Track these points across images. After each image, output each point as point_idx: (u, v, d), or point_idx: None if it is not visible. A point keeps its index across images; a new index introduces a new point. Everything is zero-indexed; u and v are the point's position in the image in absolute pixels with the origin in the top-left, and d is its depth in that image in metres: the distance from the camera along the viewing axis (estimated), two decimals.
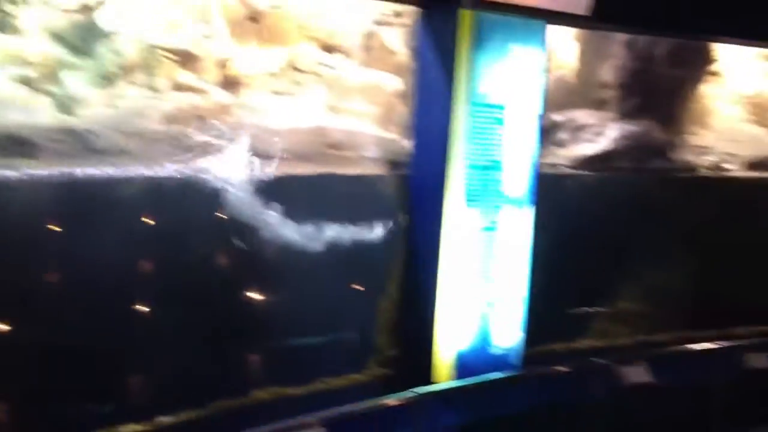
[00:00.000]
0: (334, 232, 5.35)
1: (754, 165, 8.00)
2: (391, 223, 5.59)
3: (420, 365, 5.24)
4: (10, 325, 4.08)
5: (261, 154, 6.19)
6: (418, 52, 5.72)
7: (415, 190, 5.55)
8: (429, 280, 5.29)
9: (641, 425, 5.67)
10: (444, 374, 5.23)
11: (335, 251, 5.28)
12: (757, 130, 9.11)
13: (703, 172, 7.54)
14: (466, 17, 5.31)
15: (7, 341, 4.07)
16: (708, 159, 7.83)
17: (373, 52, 7.93)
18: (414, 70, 5.80)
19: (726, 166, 7.84)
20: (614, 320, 6.81)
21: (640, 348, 6.30)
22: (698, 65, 7.94)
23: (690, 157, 7.64)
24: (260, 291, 5.03)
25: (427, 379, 5.15)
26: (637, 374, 5.62)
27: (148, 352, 4.51)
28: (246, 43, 7.64)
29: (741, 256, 7.17)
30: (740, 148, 8.30)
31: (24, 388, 4.11)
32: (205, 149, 5.46)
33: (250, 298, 5.01)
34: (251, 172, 5.35)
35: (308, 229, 5.25)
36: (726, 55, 8.82)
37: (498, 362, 5.45)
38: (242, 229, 4.92)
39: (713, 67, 8.57)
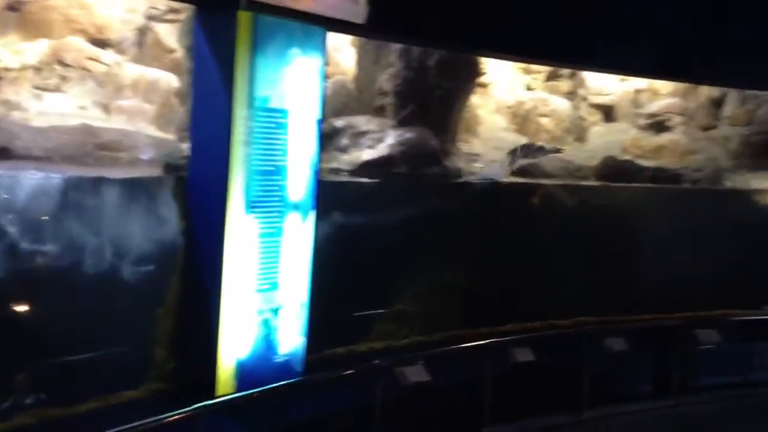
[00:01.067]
0: (104, 238, 5.02)
1: (516, 171, 8.59)
2: (168, 229, 5.35)
3: (202, 377, 5.06)
4: None
5: (20, 154, 5.69)
6: (194, 51, 5.52)
7: (194, 195, 5.36)
8: (210, 288, 5.12)
9: (422, 422, 5.90)
10: (226, 385, 5.09)
11: (106, 259, 4.97)
12: (518, 138, 9.82)
13: (474, 179, 7.99)
14: (244, 19, 5.21)
15: None
16: (478, 166, 8.31)
17: (147, 48, 7.58)
18: (191, 70, 5.60)
19: (492, 172, 8.35)
20: (393, 322, 7.02)
21: (418, 348, 6.54)
22: (468, 76, 8.40)
23: (462, 164, 8.06)
24: (22, 306, 4.60)
25: (210, 392, 4.98)
26: (416, 373, 5.84)
27: None
28: (5, 35, 7.00)
29: (509, 257, 7.68)
30: (504, 155, 8.89)
31: None
32: None
33: (10, 314, 4.56)
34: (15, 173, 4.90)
35: (74, 235, 4.88)
36: (491, 67, 9.45)
37: (281, 370, 5.40)
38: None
39: (481, 79, 9.13)
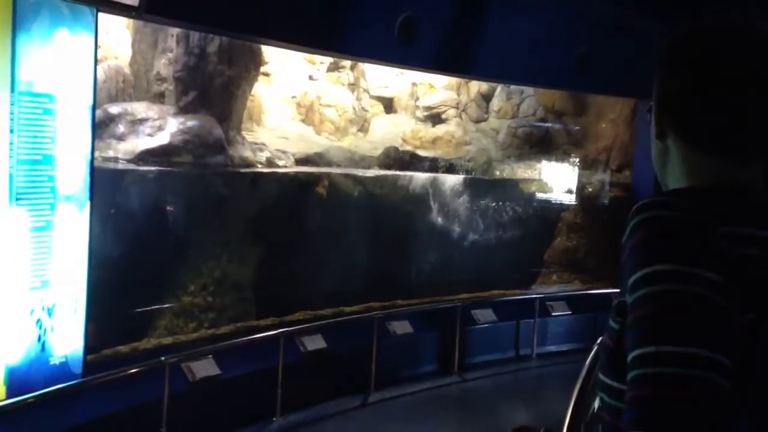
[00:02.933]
0: None
1: (301, 161, 8.64)
2: None
3: None
4: None
5: None
6: None
7: None
8: None
9: (211, 416, 5.76)
10: None
11: None
12: (303, 128, 9.87)
13: (259, 168, 7.91)
14: None
15: None
16: (263, 155, 8.23)
17: None
18: None
19: (278, 162, 8.32)
20: (181, 316, 6.80)
21: (207, 342, 6.37)
22: (250, 64, 8.27)
23: (247, 153, 7.94)
24: None
25: None
26: (205, 368, 5.68)
27: None
28: None
29: (295, 247, 7.70)
30: (289, 145, 8.90)
31: None
32: None
33: None
34: None
35: None
36: (274, 56, 9.40)
37: (58, 373, 5.02)
38: None
39: (265, 68, 9.05)
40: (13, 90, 4.83)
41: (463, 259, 9.27)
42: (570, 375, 3.83)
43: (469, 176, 10.03)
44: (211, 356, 5.80)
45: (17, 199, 4.84)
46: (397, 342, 7.54)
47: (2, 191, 4.76)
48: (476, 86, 11.33)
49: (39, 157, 5.00)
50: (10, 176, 4.80)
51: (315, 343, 6.71)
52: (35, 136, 4.99)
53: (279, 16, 7.18)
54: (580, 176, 10.79)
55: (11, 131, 4.82)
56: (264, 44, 8.34)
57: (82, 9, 5.26)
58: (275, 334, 6.49)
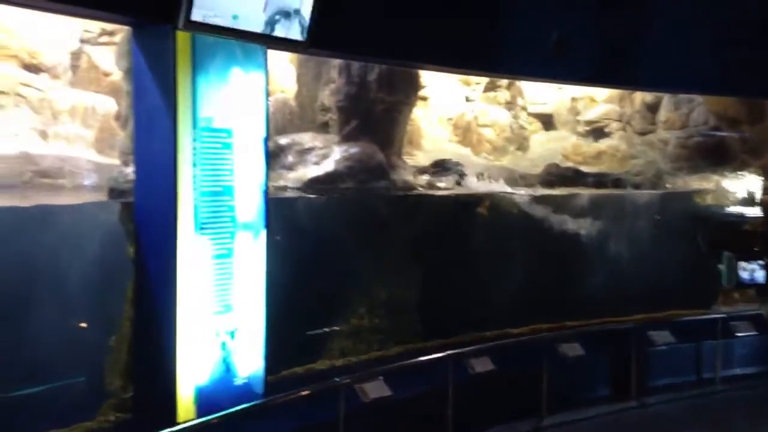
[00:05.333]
0: (50, 267, 4.86)
1: (459, 183, 8.66)
2: (116, 254, 5.20)
3: (159, 405, 4.92)
4: None
5: None
6: (134, 74, 5.40)
7: (142, 219, 5.22)
8: (164, 314, 4.99)
9: None
10: (187, 411, 4.95)
11: (55, 289, 4.80)
12: (461, 150, 9.92)
13: (421, 191, 8.01)
14: (182, 39, 5.11)
15: None
16: (423, 178, 8.34)
17: (82, 72, 7.41)
18: (130, 92, 5.48)
19: (439, 184, 8.40)
20: (350, 338, 6.97)
21: (376, 363, 6.49)
22: (408, 90, 8.43)
23: (408, 177, 8.08)
24: None
25: (170, 419, 4.84)
26: (377, 389, 5.79)
27: None
28: None
29: (460, 268, 7.71)
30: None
31: None
32: None
33: None
34: None
35: (21, 263, 4.72)
36: (431, 80, 9.52)
37: (242, 393, 5.29)
38: None
39: (422, 92, 9.19)
40: (194, 126, 5.18)
41: (635, 277, 8.91)
42: (760, 400, 3.58)
43: (638, 190, 9.67)
44: (382, 377, 5.90)
45: (201, 229, 5.16)
46: (568, 364, 7.35)
47: (188, 221, 5.10)
48: (640, 97, 10.94)
49: (219, 189, 5.32)
50: (195, 207, 5.14)
51: (483, 365, 6.67)
52: (216, 169, 5.32)
53: (436, 42, 7.29)
54: (759, 186, 10.13)
55: (194, 165, 5.17)
56: (423, 69, 8.48)
57: (253, 48, 5.57)
58: (443, 356, 6.51)
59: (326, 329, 6.84)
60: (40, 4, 5.01)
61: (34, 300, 4.73)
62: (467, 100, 10.48)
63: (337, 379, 5.55)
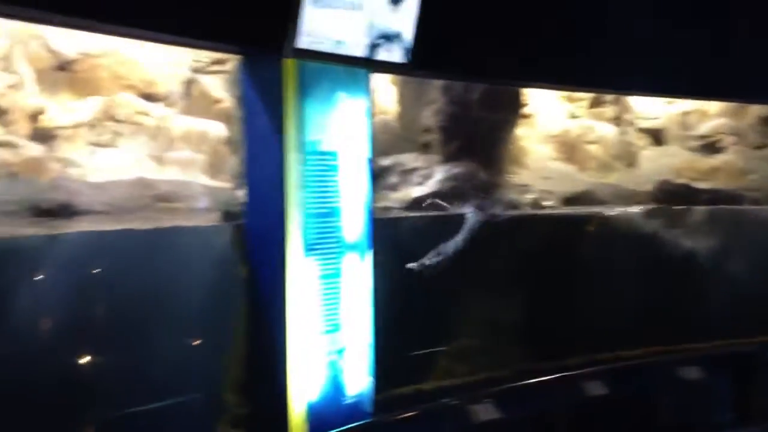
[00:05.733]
0: (168, 288, 5.05)
1: (569, 200, 8.50)
2: (229, 275, 5.37)
3: (273, 422, 5.03)
4: None
5: (81, 210, 5.78)
6: (243, 100, 5.59)
7: (253, 241, 5.38)
8: (275, 333, 5.11)
9: None
10: (299, 429, 5.04)
11: (172, 309, 4.99)
12: (565, 167, 9.74)
13: (526, 210, 7.91)
14: (289, 66, 5.27)
15: None
16: (528, 197, 8.24)
17: (194, 99, 7.71)
18: (240, 118, 5.67)
19: (544, 202, 8.28)
20: (457, 359, 6.92)
21: (484, 385, 6.41)
22: (511, 108, 8.38)
23: (512, 196, 8.00)
24: (93, 358, 4.65)
25: None
26: (485, 412, 5.72)
27: None
28: (57, 94, 7.17)
29: (568, 288, 7.55)
30: (554, 185, 8.81)
31: None
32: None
33: (84, 367, 4.60)
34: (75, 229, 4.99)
35: (141, 284, 4.93)
36: (534, 98, 9.42)
37: (351, 411, 5.34)
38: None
39: (524, 110, 9.10)
40: (302, 150, 5.30)
41: (757, 296, 8.49)
42: None
43: (757, 206, 9.23)
44: (491, 399, 5.83)
45: (309, 249, 5.27)
46: (686, 388, 7.06)
47: (297, 242, 5.21)
48: (755, 111, 10.48)
49: (326, 210, 5.42)
50: (303, 228, 5.25)
51: (595, 388, 6.49)
52: (322, 191, 5.42)
53: (540, 60, 7.22)
54: None
55: (302, 187, 5.29)
56: (527, 88, 8.42)
57: (357, 72, 5.67)
58: (554, 378, 6.37)
59: (433, 349, 6.81)
60: (156, 37, 5.26)
61: (155, 318, 4.93)
62: (572, 116, 10.30)
63: (445, 401, 5.53)
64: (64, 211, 5.71)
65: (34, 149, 6.41)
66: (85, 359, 4.65)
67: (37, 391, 4.38)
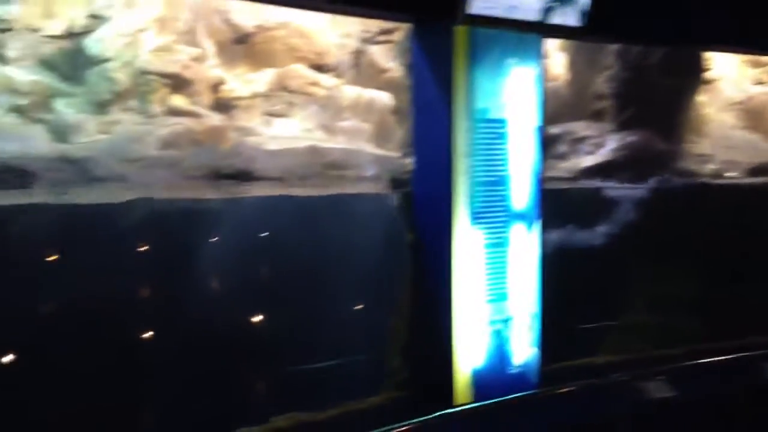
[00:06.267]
0: (338, 252, 5.21)
1: (755, 171, 7.96)
2: (396, 242, 5.45)
3: (437, 386, 5.09)
4: None
5: (258, 176, 6.08)
6: (412, 69, 5.60)
7: (420, 208, 5.42)
8: (440, 299, 5.14)
9: None
10: (462, 395, 5.07)
11: (342, 272, 5.14)
12: (750, 137, 9.10)
13: (706, 180, 7.48)
14: (461, 33, 5.21)
15: None
16: (709, 167, 7.79)
17: (363, 69, 7.86)
18: (409, 87, 5.69)
19: (727, 173, 7.80)
20: (628, 334, 6.69)
21: (657, 362, 6.16)
22: (692, 73, 7.92)
23: (692, 166, 7.58)
24: (268, 315, 4.89)
25: (444, 400, 4.99)
26: (658, 389, 5.50)
27: (160, 382, 4.35)
28: (236, 66, 7.55)
29: (750, 263, 7.09)
30: (738, 155, 8.27)
31: None
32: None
33: (259, 324, 4.86)
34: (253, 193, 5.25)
35: (311, 248, 5.11)
36: (716, 62, 8.84)
37: (516, 381, 5.30)
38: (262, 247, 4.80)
39: (705, 75, 8.57)
40: (470, 118, 5.26)
41: None
42: None
43: None
44: (664, 377, 5.59)
45: (476, 218, 5.24)
46: None
47: (464, 210, 5.20)
48: None
49: (494, 179, 5.36)
50: (470, 197, 5.22)
51: None
52: (490, 159, 5.36)
53: (725, 21, 6.73)
54: None
55: (469, 156, 5.25)
56: (708, 51, 7.92)
57: (528, 37, 5.53)
58: (732, 358, 6.01)
59: (603, 323, 6.63)
60: (330, 8, 5.36)
61: (324, 280, 5.10)
62: (758, 82, 9.59)
63: (615, 376, 5.36)
64: (242, 176, 6.01)
65: (215, 118, 6.80)
66: (258, 317, 4.90)
67: (216, 345, 4.66)
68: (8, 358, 4.06)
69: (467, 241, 5.20)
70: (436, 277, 5.18)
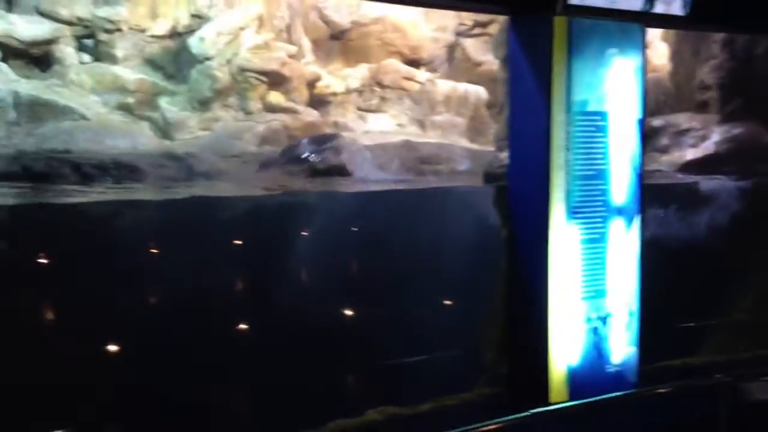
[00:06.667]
0: (433, 246, 5.22)
1: None
2: (491, 236, 5.41)
3: (531, 383, 5.01)
4: None
5: (353, 169, 6.15)
6: (509, 61, 5.52)
7: (515, 203, 5.34)
8: (536, 295, 5.05)
9: None
10: (557, 393, 4.98)
11: (436, 266, 5.15)
12: None
13: None
14: (560, 24, 5.08)
15: None
16: None
17: (457, 63, 7.84)
18: (505, 80, 5.62)
19: None
20: (731, 334, 6.44)
21: (762, 362, 5.90)
22: None
23: None
24: (362, 308, 4.94)
25: (540, 398, 4.91)
26: (763, 390, 5.26)
27: (259, 372, 4.47)
28: (331, 62, 7.66)
29: None
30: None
31: None
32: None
33: (354, 317, 4.92)
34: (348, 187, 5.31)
35: (407, 241, 5.13)
36: None
37: (614, 380, 5.16)
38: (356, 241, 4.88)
39: None
40: (569, 111, 5.15)
41: None
42: None
43: None
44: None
45: (573, 212, 5.13)
46: None
47: (561, 205, 5.10)
48: None
49: (592, 173, 5.23)
50: (568, 191, 5.12)
51: None
52: (588, 153, 5.23)
53: None
54: None
55: (567, 149, 5.14)
56: None
57: (630, 27, 5.37)
58: None
59: (705, 321, 6.39)
60: (428, 2, 5.35)
61: (419, 274, 5.11)
62: None
63: (717, 376, 5.15)
64: (337, 171, 6.10)
65: (311, 114, 6.91)
66: (354, 310, 4.96)
67: (314, 338, 4.74)
68: (129, 344, 4.24)
69: (564, 236, 5.09)
70: (532, 272, 5.10)
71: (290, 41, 7.16)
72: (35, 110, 5.37)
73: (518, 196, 5.37)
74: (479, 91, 7.60)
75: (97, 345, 4.03)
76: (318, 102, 7.05)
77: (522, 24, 5.31)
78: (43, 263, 3.97)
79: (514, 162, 5.43)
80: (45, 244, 3.96)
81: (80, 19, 6.08)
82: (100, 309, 3.99)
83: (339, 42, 7.72)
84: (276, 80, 6.75)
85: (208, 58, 6.37)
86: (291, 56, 7.11)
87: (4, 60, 5.78)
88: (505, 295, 5.34)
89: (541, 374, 4.94)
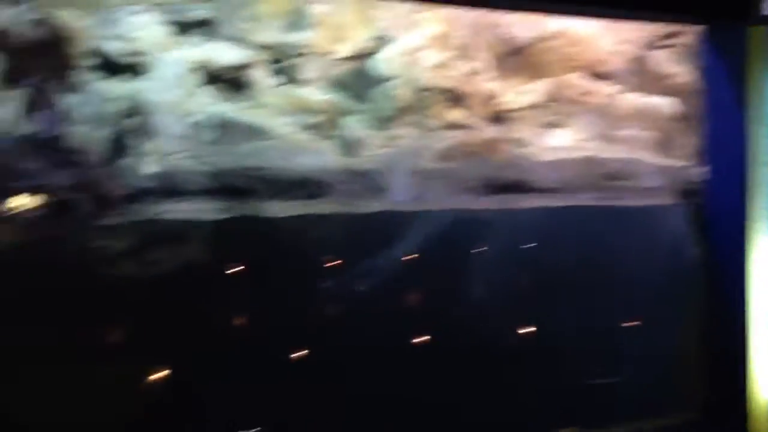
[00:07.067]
0: (621, 266, 5.02)
1: None
2: (683, 257, 5.13)
3: (729, 412, 4.71)
4: None
5: (533, 187, 6.03)
6: (702, 73, 5.26)
7: (712, 221, 5.06)
8: (734, 319, 4.75)
9: None
10: (759, 424, 4.64)
11: (625, 286, 4.94)
12: None
13: None
14: (757, 34, 4.81)
15: None
16: None
17: (643, 76, 7.50)
18: (698, 92, 5.35)
19: None
20: None
21: None
22: None
23: None
24: (545, 327, 4.84)
25: (738, 428, 4.60)
26: None
27: (443, 390, 4.47)
28: (510, 78, 7.57)
29: None
30: None
31: None
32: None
33: (539, 335, 4.83)
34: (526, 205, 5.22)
35: (591, 260, 4.97)
36: None
37: None
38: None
39: None
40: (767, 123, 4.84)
41: None
42: None
43: None
44: None
45: None
46: None
47: (764, 225, 4.77)
48: None
49: None
50: None
51: None
52: None
53: None
54: None
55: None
56: None
57: None
58: None
59: None
60: (615, 14, 5.21)
61: (605, 294, 4.94)
62: None
63: None
64: (517, 187, 6.00)
65: (490, 131, 6.85)
66: (540, 330, 4.86)
67: (499, 356, 4.68)
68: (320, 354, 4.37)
69: (765, 256, 4.75)
70: (731, 294, 4.81)
71: (470, 58, 7.15)
72: (230, 130, 5.70)
73: (715, 214, 5.11)
74: (668, 104, 7.23)
75: (311, 349, 4.22)
76: (496, 118, 6.98)
77: (716, 35, 5.11)
78: (251, 272, 4.23)
79: (710, 178, 5.18)
80: (253, 256, 4.22)
81: (271, 45, 6.42)
82: (303, 313, 4.20)
83: (518, 57, 7.63)
84: (456, 98, 6.76)
85: (389, 78, 6.49)
86: (471, 73, 7.09)
87: (204, 84, 6.21)
88: (701, 318, 5.08)
89: (740, 403, 4.65)
